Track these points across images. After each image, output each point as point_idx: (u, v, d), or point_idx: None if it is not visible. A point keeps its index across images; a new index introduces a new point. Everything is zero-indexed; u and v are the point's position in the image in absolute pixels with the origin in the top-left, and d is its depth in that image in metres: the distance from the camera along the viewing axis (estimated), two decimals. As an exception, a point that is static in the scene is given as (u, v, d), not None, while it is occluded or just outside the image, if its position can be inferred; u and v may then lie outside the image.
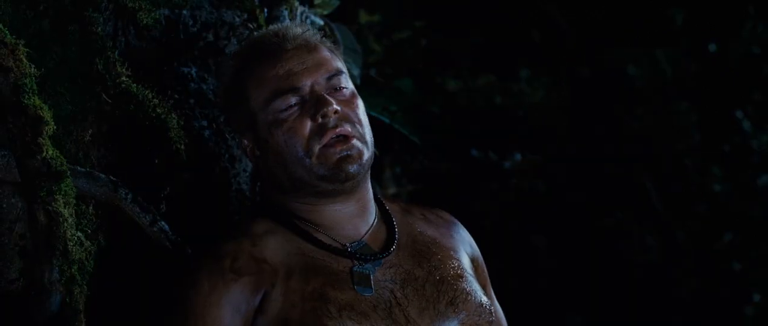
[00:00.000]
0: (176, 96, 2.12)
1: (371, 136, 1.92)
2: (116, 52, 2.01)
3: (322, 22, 2.54)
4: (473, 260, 2.04)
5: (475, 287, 1.93)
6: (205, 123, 2.18)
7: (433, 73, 5.74)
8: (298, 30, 1.93)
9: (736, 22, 5.58)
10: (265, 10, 2.29)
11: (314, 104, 1.86)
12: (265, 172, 1.94)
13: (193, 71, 2.18)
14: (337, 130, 1.85)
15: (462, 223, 2.12)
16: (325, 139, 1.85)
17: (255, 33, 2.16)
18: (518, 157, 5.69)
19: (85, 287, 1.87)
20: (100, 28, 1.98)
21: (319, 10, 2.56)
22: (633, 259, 5.59)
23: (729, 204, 5.42)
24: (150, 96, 2.03)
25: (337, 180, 1.86)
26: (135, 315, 2.00)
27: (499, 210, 5.71)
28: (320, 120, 1.85)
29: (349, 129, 1.87)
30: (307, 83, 1.87)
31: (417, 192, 5.44)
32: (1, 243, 1.85)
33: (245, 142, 1.95)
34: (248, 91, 1.91)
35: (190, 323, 1.79)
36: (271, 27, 1.98)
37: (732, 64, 5.56)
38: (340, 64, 1.94)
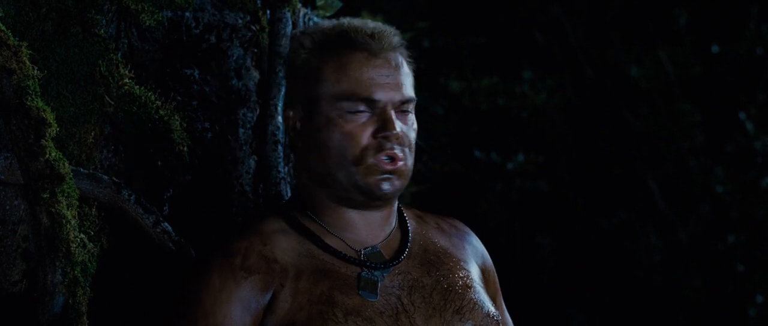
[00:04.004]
0: (179, 98, 2.13)
1: (413, 162, 1.94)
2: (119, 54, 2.02)
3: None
4: (484, 271, 2.04)
5: (483, 298, 1.92)
6: (208, 125, 2.18)
7: (437, 75, 5.75)
8: (392, 35, 1.93)
9: (740, 22, 5.57)
10: (268, 11, 2.29)
11: (382, 121, 1.87)
12: (301, 153, 1.94)
13: (196, 73, 2.18)
14: (391, 152, 1.87)
15: (466, 224, 2.12)
16: (381, 156, 1.86)
17: (347, 20, 2.13)
18: (521, 157, 5.69)
19: (88, 289, 1.87)
20: (102, 30, 1.98)
21: (321, 12, 2.56)
22: (636, 259, 5.59)
23: (732, 205, 5.42)
24: (153, 98, 2.03)
25: (371, 195, 1.87)
26: (138, 316, 2.00)
27: (503, 210, 5.71)
28: (381, 139, 1.86)
29: (401, 154, 1.88)
30: (383, 100, 1.87)
31: (420, 193, 5.44)
32: (4, 245, 1.86)
33: (291, 113, 1.94)
34: (322, 74, 1.90)
35: (200, 320, 1.79)
36: (365, 21, 1.96)
37: (735, 64, 5.55)
38: (412, 90, 1.95)
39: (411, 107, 1.93)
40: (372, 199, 1.88)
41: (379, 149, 1.86)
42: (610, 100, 5.74)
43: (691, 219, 5.52)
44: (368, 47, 1.90)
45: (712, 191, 5.44)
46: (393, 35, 1.93)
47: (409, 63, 1.96)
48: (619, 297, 5.60)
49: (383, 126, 1.86)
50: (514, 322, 2.11)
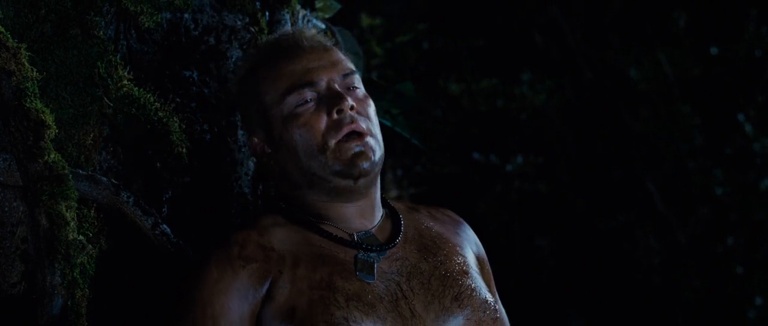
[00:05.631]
0: (178, 99, 2.13)
1: (380, 137, 1.95)
2: (118, 56, 2.02)
3: (323, 26, 2.55)
4: (479, 259, 2.05)
5: (480, 284, 1.94)
6: (206, 127, 2.18)
7: (435, 76, 5.75)
8: (313, 31, 1.98)
9: (739, 24, 5.58)
10: (267, 13, 2.29)
11: (330, 99, 1.88)
12: (276, 169, 1.95)
13: (195, 75, 2.18)
14: (353, 126, 1.88)
15: (465, 225, 2.13)
16: (341, 134, 1.87)
17: (266, 37, 2.18)
18: (520, 159, 5.69)
19: (87, 290, 1.88)
20: (101, 32, 1.98)
21: (320, 14, 2.56)
22: (635, 261, 5.59)
23: (731, 207, 5.42)
24: (152, 99, 2.04)
25: (350, 175, 1.88)
26: (137, 318, 2.00)
27: (502, 212, 5.71)
28: (336, 116, 1.87)
29: (364, 126, 1.89)
30: (323, 79, 1.90)
31: (419, 195, 5.44)
32: (3, 246, 1.86)
33: (255, 139, 1.96)
34: (262, 87, 1.93)
35: (197, 310, 1.79)
36: (282, 30, 2.00)
37: (734, 66, 5.56)
38: (353, 66, 1.97)
39: (356, 81, 1.94)
40: (353, 178, 1.88)
41: (339, 127, 1.87)
42: (609, 101, 5.74)
43: (690, 220, 5.52)
44: (293, 43, 1.94)
45: (711, 193, 5.44)
46: (316, 33, 1.98)
47: (343, 53, 1.99)
48: (618, 299, 5.60)
49: (333, 101, 1.88)
50: (512, 323, 2.11)
